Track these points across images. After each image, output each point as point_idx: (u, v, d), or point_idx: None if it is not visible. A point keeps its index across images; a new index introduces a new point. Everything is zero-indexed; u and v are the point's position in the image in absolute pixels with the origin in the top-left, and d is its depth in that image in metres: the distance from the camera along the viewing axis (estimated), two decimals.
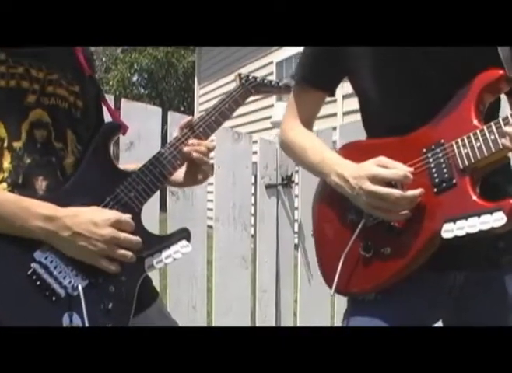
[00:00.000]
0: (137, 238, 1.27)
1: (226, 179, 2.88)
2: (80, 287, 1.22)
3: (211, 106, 1.57)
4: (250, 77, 1.67)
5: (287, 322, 3.04)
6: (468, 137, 1.28)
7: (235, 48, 10.55)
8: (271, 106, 8.06)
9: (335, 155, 1.46)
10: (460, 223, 1.26)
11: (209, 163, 1.49)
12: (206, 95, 12.57)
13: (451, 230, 1.26)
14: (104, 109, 1.46)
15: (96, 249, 1.22)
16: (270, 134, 3.79)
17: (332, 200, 1.47)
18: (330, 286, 1.45)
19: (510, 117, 1.23)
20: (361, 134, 1.57)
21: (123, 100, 2.64)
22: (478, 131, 1.27)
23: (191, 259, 2.71)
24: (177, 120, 2.70)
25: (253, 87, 1.65)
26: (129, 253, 1.26)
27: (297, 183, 3.06)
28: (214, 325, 2.85)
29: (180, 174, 1.48)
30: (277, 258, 3.01)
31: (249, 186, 2.97)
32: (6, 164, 1.23)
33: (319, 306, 3.03)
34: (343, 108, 7.15)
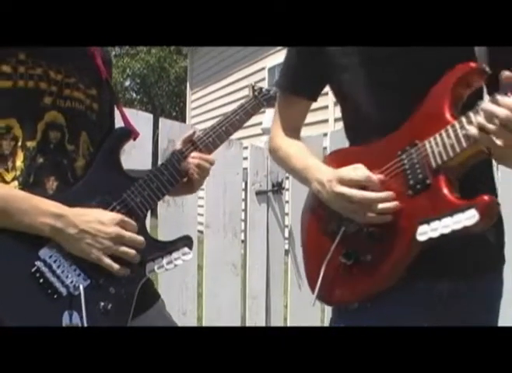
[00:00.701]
0: (141, 238, 1.30)
1: (216, 185, 2.89)
2: (81, 287, 1.24)
3: (222, 116, 1.58)
4: (264, 89, 1.69)
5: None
6: (440, 135, 1.23)
7: (227, 54, 10.58)
8: (262, 112, 8.07)
9: (318, 162, 1.45)
10: (434, 224, 1.21)
11: (206, 176, 1.53)
12: (198, 101, 12.58)
13: (425, 232, 1.22)
14: (117, 113, 1.48)
15: (101, 247, 1.25)
16: (260, 141, 3.80)
17: (317, 210, 1.46)
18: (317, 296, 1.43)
19: (477, 108, 1.16)
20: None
21: (114, 106, 2.64)
22: (449, 127, 1.21)
23: (181, 265, 2.72)
24: (168, 127, 2.72)
25: (265, 100, 1.68)
26: (133, 252, 1.28)
27: (288, 189, 3.08)
28: None
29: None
30: (267, 264, 3.02)
31: (239, 192, 2.98)
32: (19, 162, 1.25)
33: (309, 312, 3.04)
34: (334, 114, 7.17)
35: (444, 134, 1.22)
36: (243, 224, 3.02)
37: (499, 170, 3.23)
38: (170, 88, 18.64)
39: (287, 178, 3.06)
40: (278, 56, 8.75)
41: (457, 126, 1.20)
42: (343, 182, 1.30)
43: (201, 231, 2.89)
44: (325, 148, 3.07)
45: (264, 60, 9.43)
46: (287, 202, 3.14)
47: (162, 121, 2.72)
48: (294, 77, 1.53)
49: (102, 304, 1.26)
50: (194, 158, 1.48)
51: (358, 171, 1.31)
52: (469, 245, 1.28)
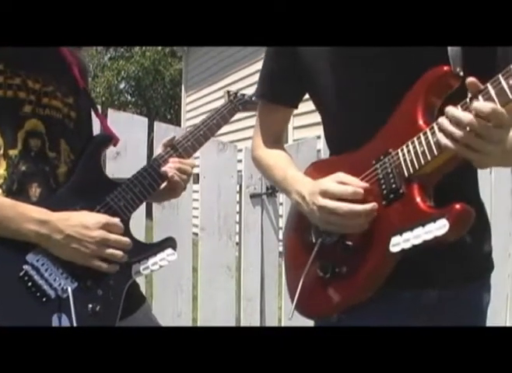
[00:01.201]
0: (127, 239, 1.33)
1: (211, 188, 2.91)
2: (69, 290, 1.26)
3: (200, 120, 1.62)
4: (239, 94, 1.74)
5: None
6: (412, 143, 1.19)
7: (222, 56, 10.59)
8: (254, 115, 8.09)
9: (297, 173, 1.42)
10: (406, 235, 1.17)
11: (188, 180, 1.56)
12: (193, 103, 12.58)
13: (398, 243, 1.18)
14: (97, 120, 1.51)
15: (87, 251, 1.27)
16: None
17: (296, 221, 1.44)
18: (296, 309, 1.39)
19: (447, 113, 1.11)
20: None
21: (109, 110, 2.67)
22: (421, 135, 1.17)
23: (176, 267, 2.74)
24: (163, 130, 2.73)
25: (240, 104, 1.72)
26: (120, 253, 1.31)
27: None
28: None
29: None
30: (262, 266, 3.04)
31: (234, 195, 3.00)
32: (1, 171, 1.27)
33: None
34: None
35: (416, 142, 1.18)
36: (237, 226, 3.03)
37: (492, 171, 3.27)
38: (164, 90, 18.64)
39: None
40: None
41: (429, 133, 1.16)
42: (325, 195, 1.26)
43: (196, 234, 2.91)
44: (319, 151, 3.08)
45: (259, 62, 9.41)
46: (281, 204, 3.16)
47: (157, 125, 2.74)
48: (271, 84, 1.49)
49: (90, 306, 1.28)
50: (174, 162, 1.51)
51: (342, 186, 1.26)
52: (453, 254, 1.26)
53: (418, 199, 1.18)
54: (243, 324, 3.01)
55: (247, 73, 9.85)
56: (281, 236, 3.05)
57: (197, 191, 2.91)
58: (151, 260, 1.37)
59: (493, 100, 1.07)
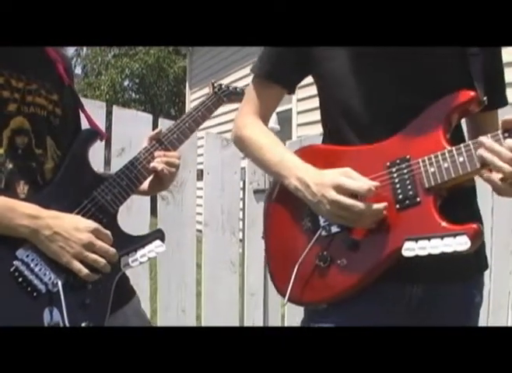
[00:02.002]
0: (113, 250, 1.33)
1: (214, 184, 2.92)
2: (60, 284, 1.28)
3: (185, 113, 1.64)
4: (223, 86, 1.75)
5: (275, 324, 3.07)
6: (436, 157, 1.26)
7: (226, 53, 10.59)
8: None
9: (295, 158, 1.39)
10: (422, 243, 1.24)
11: (177, 172, 1.56)
12: (197, 100, 12.58)
13: (413, 249, 1.24)
14: (82, 117, 1.52)
15: (72, 251, 1.28)
16: None
17: (287, 204, 1.42)
18: (279, 292, 1.42)
19: (478, 141, 1.23)
20: None
21: (114, 107, 2.69)
22: (446, 152, 1.25)
23: (180, 263, 2.76)
24: (166, 127, 2.75)
25: (225, 95, 1.74)
26: (103, 261, 1.31)
27: None
28: None
29: (145, 182, 1.54)
30: (265, 262, 3.05)
31: (237, 191, 3.01)
32: None
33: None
34: None
35: (440, 157, 1.26)
36: (241, 222, 3.05)
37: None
38: (169, 87, 18.65)
39: None
40: None
41: (455, 152, 1.25)
42: (339, 189, 1.27)
43: (200, 231, 2.93)
44: None
45: None
46: None
47: (161, 121, 2.76)
48: (271, 63, 1.47)
49: (80, 299, 1.30)
50: (159, 155, 1.52)
51: (358, 182, 1.28)
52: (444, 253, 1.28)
53: (435, 211, 1.26)
54: (246, 319, 3.03)
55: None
56: None
57: (201, 188, 2.93)
58: (139, 252, 1.39)
59: None
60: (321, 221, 1.36)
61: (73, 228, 1.29)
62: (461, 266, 1.34)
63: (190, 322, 2.84)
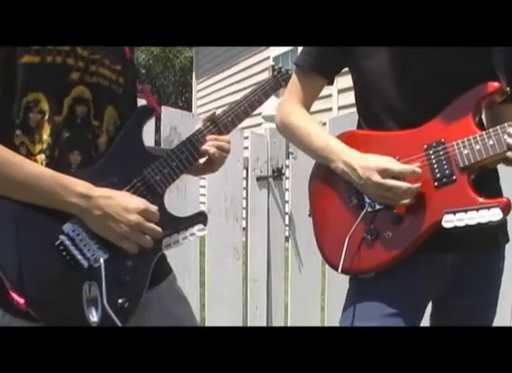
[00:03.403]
0: (159, 230, 1.34)
1: (218, 171, 2.93)
2: (102, 260, 1.29)
3: (241, 96, 1.60)
4: (283, 69, 1.71)
5: (278, 312, 3.10)
6: (469, 140, 1.43)
7: None
8: None
9: (340, 143, 1.55)
10: (459, 215, 1.41)
11: (227, 156, 1.58)
12: (204, 90, 12.60)
13: (451, 221, 1.42)
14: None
15: (121, 231, 1.30)
16: (260, 129, 3.83)
17: (333, 183, 1.58)
18: (330, 264, 1.58)
19: (505, 127, 1.39)
20: (352, 128, 1.64)
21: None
22: (478, 136, 1.42)
23: (183, 250, 2.77)
24: (170, 115, 2.76)
25: (283, 79, 1.70)
26: (149, 240, 1.33)
27: (288, 178, 3.11)
28: (207, 315, 2.91)
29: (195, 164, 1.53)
30: (268, 249, 3.07)
31: (240, 179, 3.02)
32: (45, 136, 1.29)
33: (309, 296, 3.10)
34: (338, 102, 7.20)
35: (472, 140, 1.43)
36: (244, 210, 3.06)
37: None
38: (175, 78, 18.66)
39: (287, 166, 3.10)
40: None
41: (485, 136, 1.42)
42: (384, 173, 1.44)
43: None
44: None
45: (269, 49, 9.44)
46: (287, 190, 3.18)
47: (164, 109, 2.76)
48: (316, 55, 1.61)
49: (120, 276, 1.32)
50: (211, 139, 1.51)
51: (401, 165, 1.45)
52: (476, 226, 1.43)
53: (469, 187, 1.43)
54: (249, 306, 3.05)
55: (258, 59, 9.85)
56: (287, 220, 3.10)
57: (204, 178, 2.94)
58: (182, 234, 1.40)
59: None
60: (366, 198, 1.52)
61: (123, 208, 1.29)
62: (489, 239, 1.53)
63: (193, 308, 2.85)
